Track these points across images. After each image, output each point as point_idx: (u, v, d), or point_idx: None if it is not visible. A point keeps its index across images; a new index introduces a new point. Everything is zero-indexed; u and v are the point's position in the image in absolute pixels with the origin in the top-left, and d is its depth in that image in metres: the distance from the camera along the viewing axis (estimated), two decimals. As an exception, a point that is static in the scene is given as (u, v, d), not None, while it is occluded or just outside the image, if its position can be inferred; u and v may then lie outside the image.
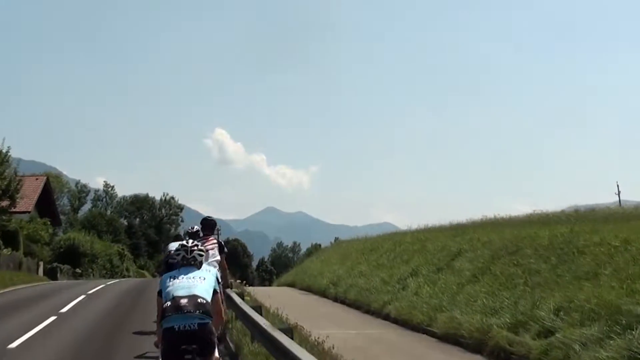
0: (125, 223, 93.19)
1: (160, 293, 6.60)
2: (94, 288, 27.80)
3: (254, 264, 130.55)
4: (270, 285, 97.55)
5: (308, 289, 30.83)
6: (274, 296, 25.96)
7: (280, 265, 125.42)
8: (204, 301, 6.32)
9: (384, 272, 23.52)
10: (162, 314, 6.33)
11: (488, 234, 19.69)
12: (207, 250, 10.56)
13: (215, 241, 12.06)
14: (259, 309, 12.24)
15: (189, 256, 6.76)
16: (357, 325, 17.84)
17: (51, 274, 47.20)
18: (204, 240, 11.77)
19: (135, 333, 14.30)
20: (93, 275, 56.16)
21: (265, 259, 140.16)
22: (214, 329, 6.45)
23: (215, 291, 6.64)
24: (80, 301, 21.47)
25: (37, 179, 54.67)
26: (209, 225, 12.33)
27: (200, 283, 6.49)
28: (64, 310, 18.86)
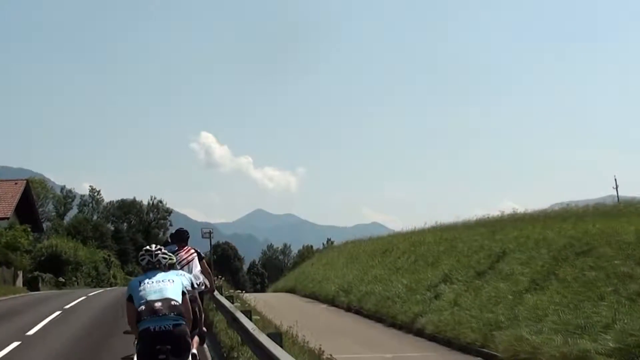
0: (112, 228, 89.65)
1: (130, 298, 6.72)
2: (73, 301, 24.54)
3: (245, 267, 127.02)
4: (262, 289, 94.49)
5: (313, 296, 27.73)
6: (277, 306, 22.85)
7: (271, 268, 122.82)
8: (177, 303, 6.56)
9: (406, 277, 20.42)
10: (138, 317, 6.49)
11: (540, 231, 16.50)
12: (188, 262, 11.04)
13: (192, 250, 11.65)
14: (278, 337, 9.03)
15: (154, 260, 6.99)
16: (390, 345, 14.70)
17: (32, 284, 44.00)
18: (182, 251, 11.44)
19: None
20: (77, 283, 52.79)
21: (256, 262, 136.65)
22: (188, 329, 6.66)
23: (183, 292, 6.81)
24: (53, 319, 18.19)
25: (16, 183, 51.06)
26: (182, 237, 11.87)
27: (170, 286, 6.70)
28: (32, 332, 15.61)
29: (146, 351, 6.42)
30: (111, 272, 63.75)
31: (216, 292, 16.50)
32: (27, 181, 53.69)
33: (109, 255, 66.26)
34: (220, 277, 28.59)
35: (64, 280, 50.65)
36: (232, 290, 22.55)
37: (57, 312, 19.86)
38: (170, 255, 8.01)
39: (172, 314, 6.44)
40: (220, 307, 14.82)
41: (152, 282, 6.71)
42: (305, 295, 29.44)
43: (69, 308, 21.88)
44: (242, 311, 12.08)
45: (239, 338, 11.84)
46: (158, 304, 6.45)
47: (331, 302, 24.38)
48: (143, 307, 6.47)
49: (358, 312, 20.88)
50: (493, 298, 14.20)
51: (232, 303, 14.87)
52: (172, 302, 6.51)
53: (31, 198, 52.64)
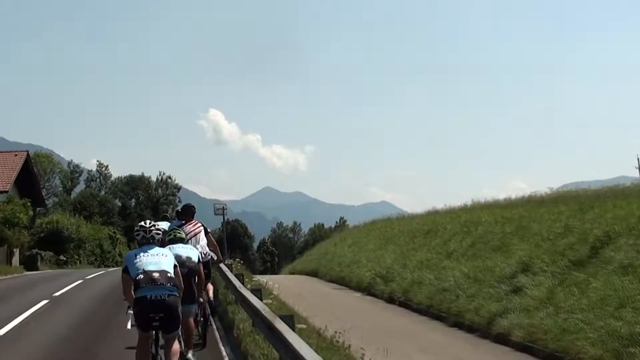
0: (119, 204, 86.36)
1: (126, 270, 7.13)
2: (67, 286, 21.21)
3: (255, 244, 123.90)
4: (273, 268, 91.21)
5: (342, 282, 24.26)
6: (305, 295, 19.56)
7: (281, 246, 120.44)
8: (173, 276, 7.09)
9: (465, 265, 16.84)
10: (136, 285, 6.92)
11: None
12: (195, 234, 11.14)
13: (199, 225, 11.63)
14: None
15: (148, 235, 7.43)
16: (466, 357, 11.16)
17: (30, 263, 40.60)
18: (189, 224, 11.44)
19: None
20: (80, 262, 49.48)
21: (266, 240, 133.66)
22: (179, 301, 7.09)
23: (175, 266, 7.32)
24: (35, 313, 14.75)
25: (16, 155, 47.51)
26: (190, 211, 11.90)
27: (164, 260, 7.22)
28: (4, 331, 12.23)
29: (142, 317, 6.89)
30: (117, 250, 60.28)
31: (239, 285, 13.22)
32: (28, 152, 50.18)
33: (114, 232, 62.90)
34: (237, 259, 25.20)
35: (65, 258, 47.44)
36: (255, 278, 19.09)
37: (43, 302, 16.45)
38: (179, 231, 9.60)
39: (168, 284, 6.92)
40: (246, 305, 11.34)
41: (148, 254, 7.18)
42: (330, 281, 26.02)
43: (59, 295, 18.52)
44: (281, 317, 8.55)
45: (278, 355, 8.37)
46: (156, 274, 6.92)
47: (366, 290, 20.91)
48: (141, 276, 6.92)
49: (404, 305, 17.40)
50: (610, 298, 10.57)
51: (261, 299, 11.42)
52: (169, 275, 7.01)
53: (32, 171, 49.21)
